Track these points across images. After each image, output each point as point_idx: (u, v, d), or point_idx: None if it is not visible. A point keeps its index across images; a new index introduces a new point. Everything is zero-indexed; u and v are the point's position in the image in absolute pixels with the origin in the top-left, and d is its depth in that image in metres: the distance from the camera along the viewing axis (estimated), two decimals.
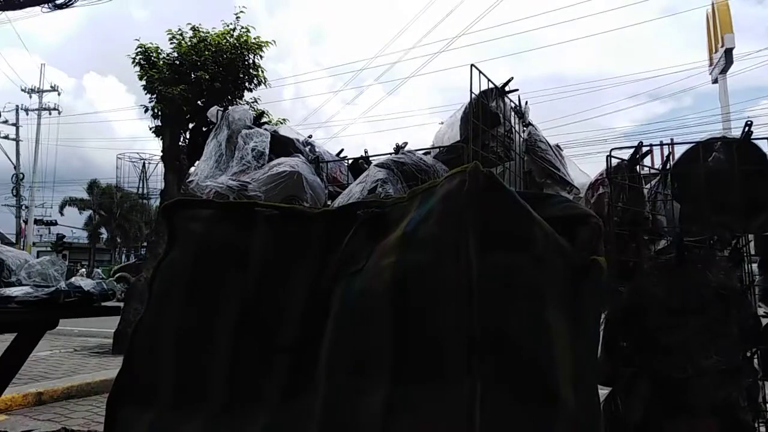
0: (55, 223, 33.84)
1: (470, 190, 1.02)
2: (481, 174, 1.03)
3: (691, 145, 1.71)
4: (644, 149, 1.87)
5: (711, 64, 19.66)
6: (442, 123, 2.42)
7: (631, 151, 1.82)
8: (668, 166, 1.83)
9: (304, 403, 1.03)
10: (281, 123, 6.79)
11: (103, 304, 1.76)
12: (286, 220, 1.25)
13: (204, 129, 7.01)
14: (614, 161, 1.78)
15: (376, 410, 0.94)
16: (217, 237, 1.27)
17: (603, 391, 1.50)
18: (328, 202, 2.05)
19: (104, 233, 35.13)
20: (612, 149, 1.74)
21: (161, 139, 7.75)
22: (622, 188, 1.72)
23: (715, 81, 19.52)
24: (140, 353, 1.23)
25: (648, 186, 1.87)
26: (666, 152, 2.08)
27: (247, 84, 7.61)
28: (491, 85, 1.92)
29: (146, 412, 1.16)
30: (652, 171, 1.94)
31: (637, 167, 1.84)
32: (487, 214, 1.01)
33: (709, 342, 1.37)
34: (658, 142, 2.15)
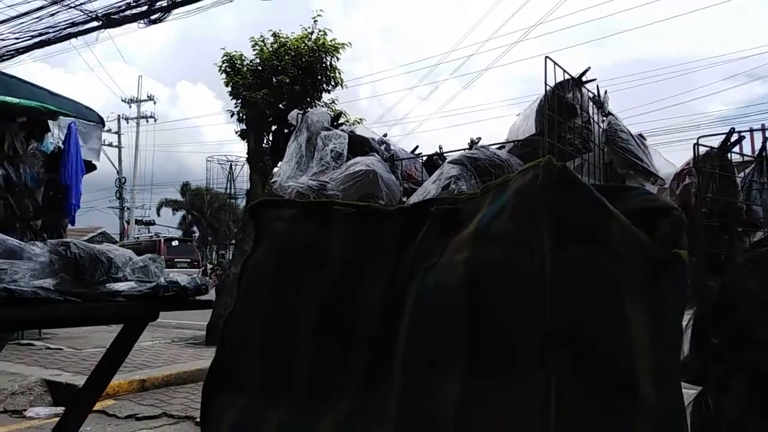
0: (153, 223, 36.23)
1: (543, 184, 1.01)
2: (554, 168, 1.02)
3: None
4: (737, 135, 1.76)
5: None
6: (518, 115, 2.38)
7: (722, 138, 1.72)
8: (764, 153, 1.72)
9: (380, 397, 1.06)
10: (358, 122, 6.92)
11: (197, 298, 1.89)
12: (363, 218, 1.30)
13: (285, 131, 7.27)
14: (702, 149, 1.69)
15: (450, 405, 0.96)
16: (298, 235, 1.33)
17: (692, 391, 1.43)
18: (404, 199, 2.08)
19: (196, 232, 37.25)
20: (699, 137, 1.65)
21: (246, 141, 8.11)
22: (711, 177, 1.63)
23: None
24: (231, 345, 1.32)
25: (741, 175, 1.75)
26: (762, 138, 1.95)
27: (324, 86, 7.82)
28: (567, 76, 1.88)
29: (238, 400, 1.25)
30: (746, 158, 1.82)
31: (729, 155, 1.73)
32: (560, 209, 1.00)
33: None
34: (759, 126, 2.01)
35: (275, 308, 1.28)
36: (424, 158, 2.42)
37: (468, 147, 1.98)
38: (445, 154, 2.29)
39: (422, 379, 1.02)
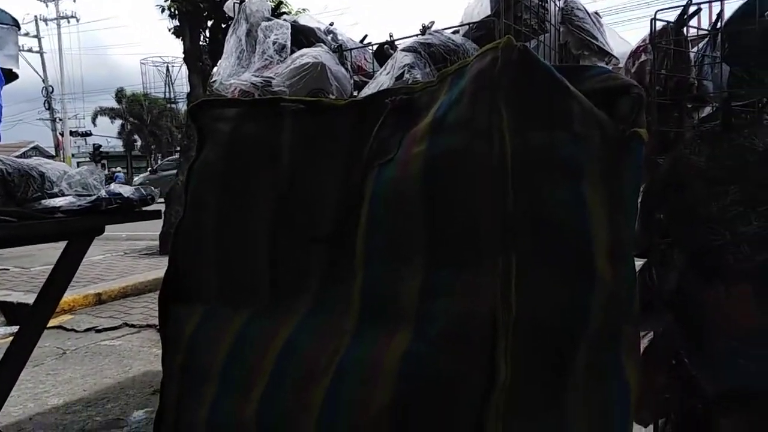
0: (90, 134, 34.38)
1: (503, 67, 0.96)
2: (514, 49, 0.97)
3: None
4: (693, 8, 1.71)
5: None
6: None
7: (679, 11, 1.67)
8: (719, 26, 1.69)
9: (342, 293, 1.06)
10: (301, 12, 6.49)
11: (144, 209, 1.81)
12: (313, 114, 1.23)
13: (223, 26, 6.79)
14: (659, 24, 1.64)
15: (413, 295, 0.96)
16: (245, 135, 1.26)
17: (638, 263, 1.50)
18: (355, 93, 1.99)
19: (138, 140, 35.68)
20: (657, 11, 1.60)
21: (182, 40, 7.56)
22: (666, 54, 1.60)
23: None
24: (184, 253, 1.28)
25: (695, 49, 1.73)
26: (718, 10, 1.91)
27: None
28: None
29: (196, 308, 1.23)
30: (701, 33, 1.79)
31: (685, 29, 1.69)
32: (521, 91, 0.96)
33: (751, 209, 1.33)
34: None
35: (226, 213, 1.23)
36: (374, 48, 2.29)
37: (420, 33, 1.87)
38: (396, 43, 2.17)
39: (384, 272, 1.01)
